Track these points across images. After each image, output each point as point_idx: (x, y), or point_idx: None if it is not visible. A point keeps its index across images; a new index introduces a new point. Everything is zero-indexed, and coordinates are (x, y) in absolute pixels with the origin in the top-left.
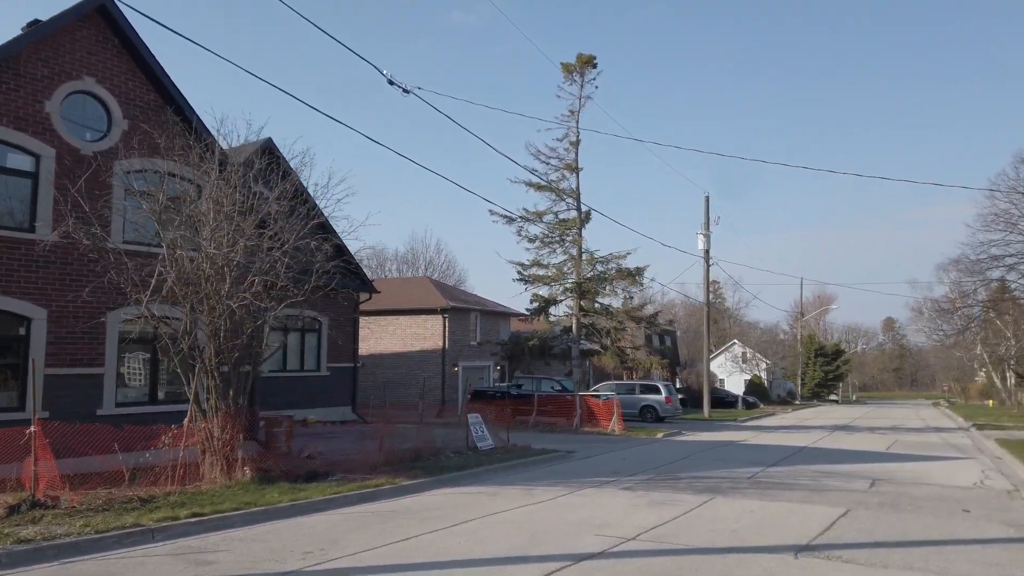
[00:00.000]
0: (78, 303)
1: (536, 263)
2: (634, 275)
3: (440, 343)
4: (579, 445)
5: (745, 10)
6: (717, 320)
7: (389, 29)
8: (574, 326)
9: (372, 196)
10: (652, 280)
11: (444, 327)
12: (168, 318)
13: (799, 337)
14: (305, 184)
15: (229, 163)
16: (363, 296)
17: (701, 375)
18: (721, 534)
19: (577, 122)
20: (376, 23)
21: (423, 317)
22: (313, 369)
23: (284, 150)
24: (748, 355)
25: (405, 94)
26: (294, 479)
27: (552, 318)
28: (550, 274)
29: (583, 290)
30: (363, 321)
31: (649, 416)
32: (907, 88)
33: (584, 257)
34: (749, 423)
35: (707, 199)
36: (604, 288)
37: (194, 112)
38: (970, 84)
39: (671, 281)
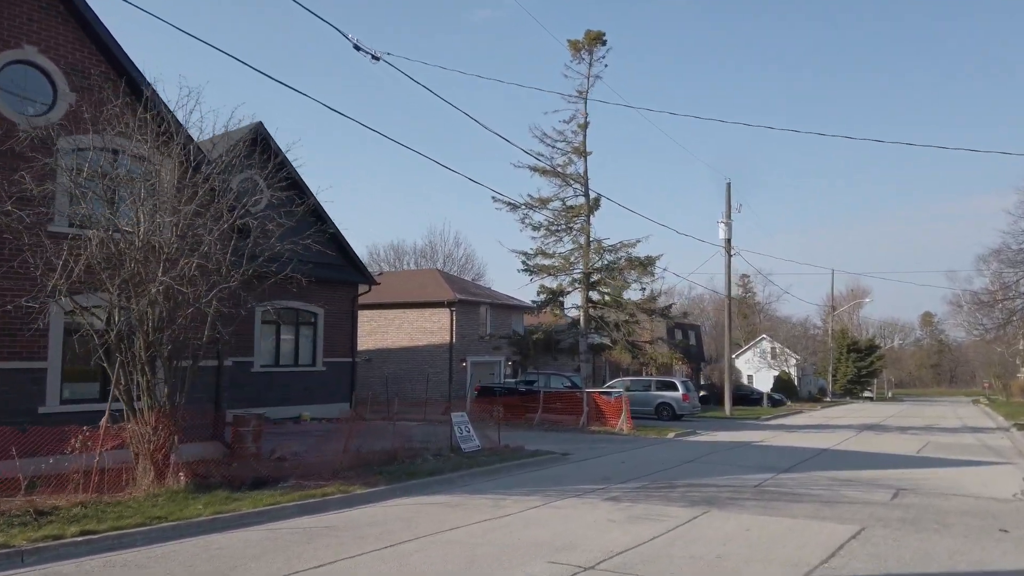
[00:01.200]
0: (16, 290)
1: (541, 252)
2: (645, 265)
3: (448, 337)
4: (580, 446)
5: None
6: (747, 315)
7: (414, 25)
8: (581, 319)
9: (386, 190)
10: (665, 270)
11: (451, 321)
12: (97, 307)
13: (830, 331)
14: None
15: (184, 139)
16: (362, 288)
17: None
18: (701, 561)
19: (585, 103)
20: (397, 17)
21: (430, 310)
22: (308, 364)
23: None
24: (777, 350)
25: (375, 60)
26: (237, 486)
27: (560, 312)
28: (556, 264)
29: (591, 281)
30: (370, 315)
31: (665, 414)
32: (955, 77)
33: (592, 246)
34: (772, 422)
35: (728, 185)
36: (614, 279)
37: (149, 85)
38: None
39: (690, 273)
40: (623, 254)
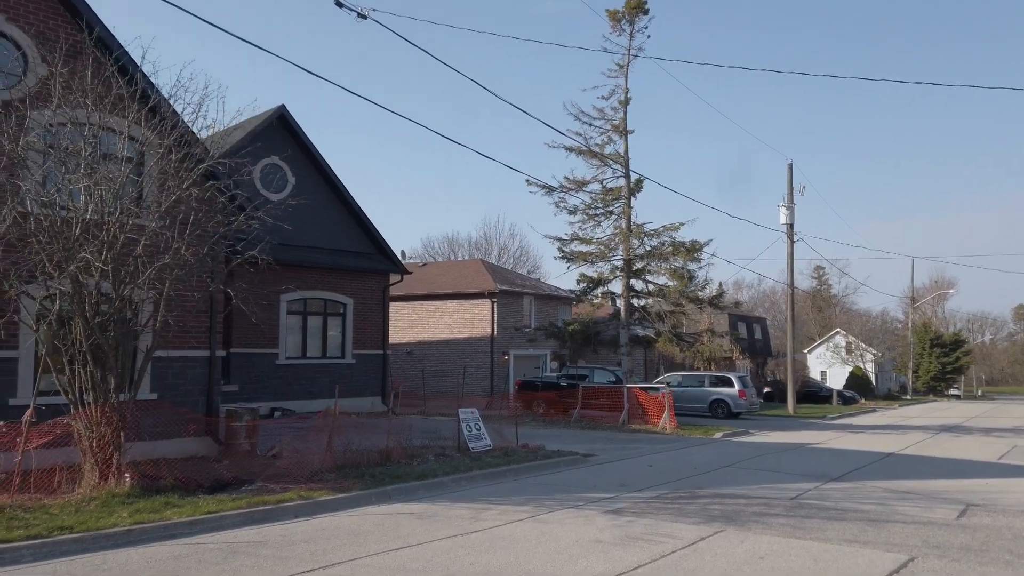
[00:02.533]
0: None
1: (577, 237)
2: (691, 250)
3: (489, 329)
4: (611, 446)
5: None
6: (822, 308)
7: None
8: (622, 309)
9: (445, 182)
10: (712, 255)
11: (493, 312)
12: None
13: (910, 325)
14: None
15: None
16: (394, 278)
17: (803, 368)
18: None
19: (626, 78)
20: None
21: (471, 302)
22: (337, 356)
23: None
24: (852, 345)
25: (361, 19)
26: (192, 489)
27: (597, 300)
28: (594, 250)
29: (635, 269)
30: (412, 306)
31: (720, 412)
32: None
33: (633, 231)
34: (838, 421)
35: (790, 166)
36: (659, 266)
37: (125, 53)
38: None
39: (750, 261)
40: (666, 238)
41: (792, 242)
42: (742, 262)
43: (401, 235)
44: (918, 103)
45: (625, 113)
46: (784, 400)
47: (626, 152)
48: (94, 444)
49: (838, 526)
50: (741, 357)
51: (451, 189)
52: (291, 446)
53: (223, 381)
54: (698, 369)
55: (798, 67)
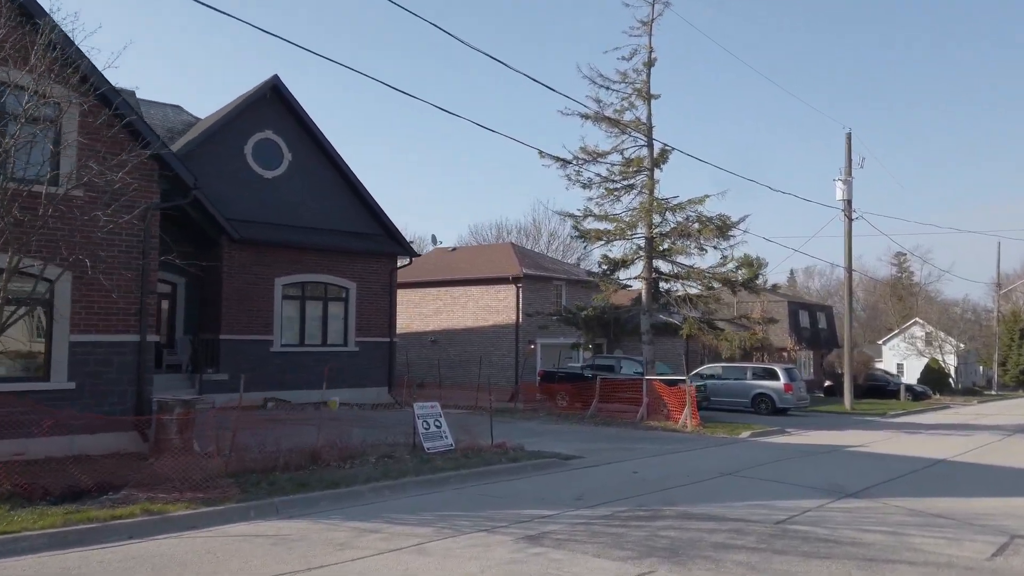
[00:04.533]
0: None
1: (590, 214)
2: (722, 228)
3: (514, 317)
4: (612, 445)
5: None
6: (902, 297)
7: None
8: (643, 292)
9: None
10: (745, 232)
11: (517, 298)
12: None
13: (996, 314)
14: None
15: None
16: (401, 261)
17: (869, 360)
18: None
19: (650, 36)
20: None
21: (495, 287)
22: (339, 344)
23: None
24: (931, 335)
25: None
26: (35, 498)
27: (627, 283)
28: (612, 228)
29: (662, 249)
30: (436, 292)
31: (764, 407)
32: None
33: (654, 206)
34: (898, 419)
35: (848, 136)
36: (685, 245)
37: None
38: None
39: (803, 243)
40: (691, 212)
41: (850, 220)
42: (795, 243)
43: (448, 222)
44: (1008, 69)
45: (649, 75)
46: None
47: (649, 119)
48: None
49: (815, 568)
50: (798, 347)
51: (498, 173)
52: (237, 442)
53: (212, 369)
54: (755, 360)
55: (860, 22)
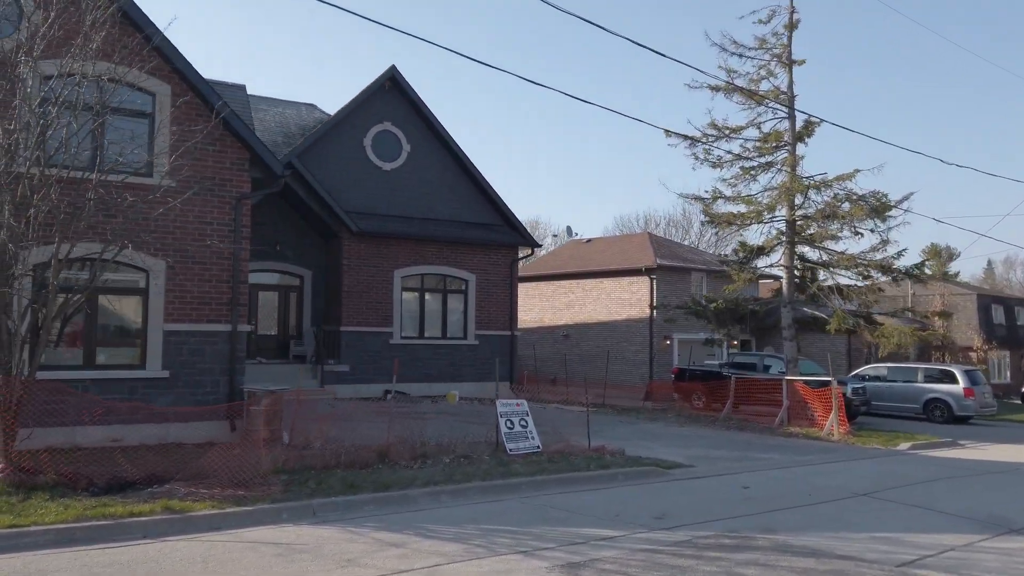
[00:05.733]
0: None
1: (720, 195)
2: (878, 208)
3: (647, 310)
4: (735, 454)
5: None
6: None
7: None
8: (784, 282)
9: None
10: (906, 211)
11: (651, 290)
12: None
13: None
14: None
15: None
16: (523, 252)
17: None
18: None
19: None
20: None
21: (628, 279)
22: (458, 337)
23: None
24: None
25: None
26: (79, 488)
27: (768, 271)
28: (747, 211)
29: (801, 232)
30: (568, 285)
31: (938, 414)
32: None
33: (793, 186)
34: None
35: None
36: (834, 228)
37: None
38: None
39: (990, 228)
40: (839, 190)
41: None
42: (981, 225)
43: (590, 214)
44: None
45: (790, 38)
46: None
47: (790, 87)
48: None
49: None
50: (988, 347)
51: (643, 162)
52: (328, 435)
53: (333, 360)
54: (933, 360)
55: None
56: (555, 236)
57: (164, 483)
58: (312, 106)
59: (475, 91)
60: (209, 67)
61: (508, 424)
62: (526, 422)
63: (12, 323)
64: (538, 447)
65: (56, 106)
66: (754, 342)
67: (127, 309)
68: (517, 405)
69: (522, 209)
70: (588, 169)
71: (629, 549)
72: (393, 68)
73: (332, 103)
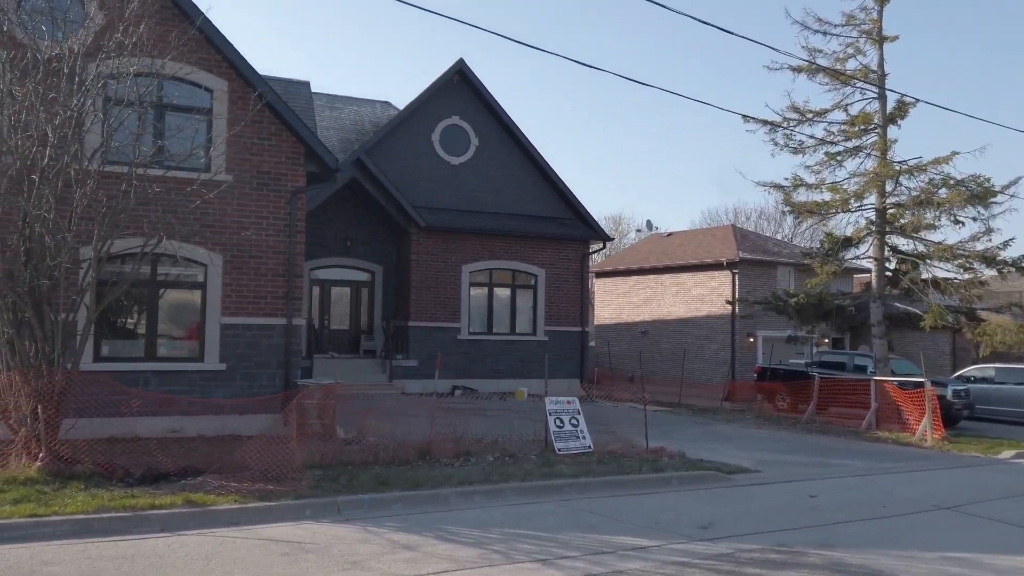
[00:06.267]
0: None
1: (801, 183)
2: (981, 194)
3: (729, 306)
4: (811, 459)
5: None
6: None
7: None
8: (873, 276)
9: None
10: (1012, 196)
11: (733, 285)
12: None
13: None
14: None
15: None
16: (594, 246)
17: None
18: None
19: None
20: None
21: (708, 274)
22: (527, 332)
23: None
24: None
25: None
26: (116, 479)
27: (858, 262)
28: (831, 199)
29: (893, 222)
30: (645, 281)
31: None
32: None
33: (882, 172)
34: None
35: None
36: (934, 217)
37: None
38: None
39: None
40: (934, 175)
41: None
42: None
43: (675, 206)
44: None
45: (881, 12)
46: None
47: (881, 65)
48: (8, 418)
49: None
50: None
51: (727, 153)
52: (383, 430)
53: (401, 355)
54: None
55: None
56: (638, 232)
57: (199, 475)
58: (387, 103)
59: (560, 86)
60: (292, 67)
61: (558, 423)
62: (577, 420)
63: (54, 315)
64: (589, 447)
65: (116, 104)
66: (847, 340)
67: (186, 302)
68: (568, 403)
69: (605, 204)
70: (674, 162)
71: (659, 561)
72: (461, 62)
73: (405, 100)
